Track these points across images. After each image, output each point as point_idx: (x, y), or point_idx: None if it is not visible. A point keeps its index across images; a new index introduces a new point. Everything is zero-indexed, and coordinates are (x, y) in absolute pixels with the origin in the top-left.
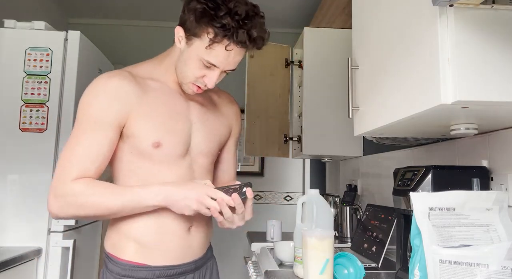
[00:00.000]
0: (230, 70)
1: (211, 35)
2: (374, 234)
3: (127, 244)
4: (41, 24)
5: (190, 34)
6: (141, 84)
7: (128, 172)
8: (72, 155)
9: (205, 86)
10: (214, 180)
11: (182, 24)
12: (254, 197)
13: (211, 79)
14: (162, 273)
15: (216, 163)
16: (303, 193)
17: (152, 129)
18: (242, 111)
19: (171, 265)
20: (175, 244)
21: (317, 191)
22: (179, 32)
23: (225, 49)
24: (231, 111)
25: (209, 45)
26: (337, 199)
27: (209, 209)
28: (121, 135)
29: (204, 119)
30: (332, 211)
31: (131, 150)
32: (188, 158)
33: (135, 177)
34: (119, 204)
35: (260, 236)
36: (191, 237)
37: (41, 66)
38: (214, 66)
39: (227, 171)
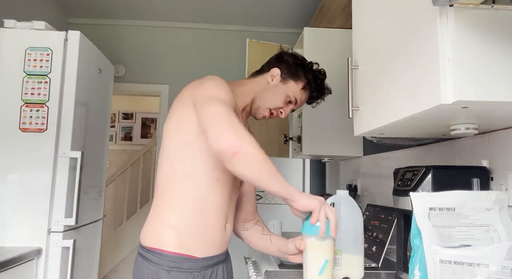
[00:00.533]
0: (293, 110)
1: (305, 83)
2: (374, 234)
3: (173, 237)
4: (41, 24)
5: (287, 76)
6: None
7: (189, 164)
8: (229, 119)
9: (277, 115)
10: (242, 210)
11: (279, 67)
12: None
13: (286, 112)
14: (204, 264)
15: (241, 192)
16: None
17: None
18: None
19: (210, 256)
20: (215, 236)
21: (347, 192)
22: (276, 72)
23: (306, 96)
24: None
25: (302, 88)
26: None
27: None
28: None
29: None
30: (360, 211)
31: (200, 144)
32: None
33: (193, 170)
34: (274, 172)
35: None
36: (226, 232)
37: (41, 66)
38: (295, 103)
39: (253, 200)
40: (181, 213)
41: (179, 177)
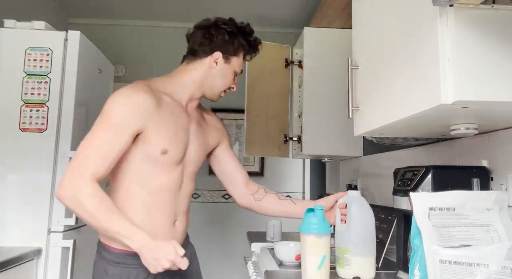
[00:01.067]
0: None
1: (244, 52)
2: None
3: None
4: (41, 24)
5: (229, 55)
6: (158, 98)
7: (130, 173)
8: (90, 151)
9: (230, 90)
10: (233, 184)
11: (219, 49)
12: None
13: (236, 83)
14: None
15: (227, 167)
16: (303, 193)
17: (163, 138)
18: (242, 111)
19: None
20: (163, 233)
21: (359, 192)
22: (217, 56)
23: (246, 60)
24: (217, 126)
25: (244, 57)
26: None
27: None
28: (134, 140)
29: (198, 133)
30: (372, 211)
31: (140, 154)
32: (181, 166)
33: (136, 178)
34: (106, 227)
35: (260, 236)
36: (176, 228)
37: (41, 66)
38: (241, 72)
39: (242, 168)
40: (128, 214)
41: (125, 184)
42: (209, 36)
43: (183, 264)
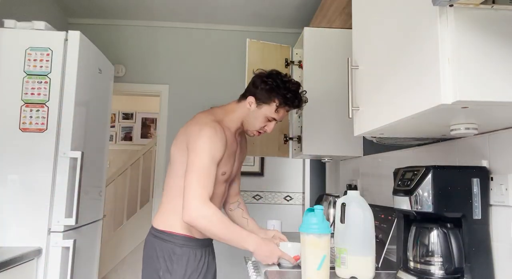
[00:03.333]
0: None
1: (277, 104)
2: (374, 234)
3: (180, 223)
4: (41, 24)
5: (261, 102)
6: (225, 132)
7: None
8: (205, 180)
9: (264, 132)
10: (231, 187)
11: (253, 95)
12: (254, 197)
13: (270, 127)
14: (203, 243)
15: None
16: (303, 193)
17: (224, 162)
18: None
19: (204, 239)
20: None
21: (357, 192)
22: (251, 100)
23: (285, 111)
24: (245, 146)
25: (276, 109)
26: (337, 199)
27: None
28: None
29: (239, 154)
30: (371, 212)
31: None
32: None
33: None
34: (229, 238)
35: None
36: None
37: (41, 66)
38: (275, 120)
39: (238, 182)
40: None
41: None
42: (254, 82)
43: (278, 261)
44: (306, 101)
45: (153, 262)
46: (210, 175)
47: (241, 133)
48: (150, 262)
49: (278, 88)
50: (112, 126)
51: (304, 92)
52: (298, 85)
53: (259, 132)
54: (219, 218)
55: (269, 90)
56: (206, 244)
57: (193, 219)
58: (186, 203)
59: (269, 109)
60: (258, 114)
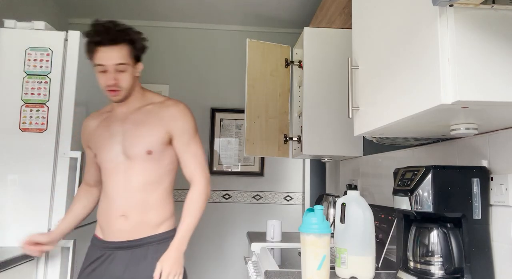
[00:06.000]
0: (116, 65)
1: (89, 48)
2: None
3: (97, 224)
4: (41, 24)
5: (89, 58)
6: (100, 117)
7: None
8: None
9: (114, 85)
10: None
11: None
12: (254, 197)
13: (108, 79)
14: (106, 245)
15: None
16: (303, 193)
17: (95, 145)
18: (242, 111)
19: (108, 241)
20: (111, 226)
21: (357, 192)
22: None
23: (97, 51)
24: (167, 114)
25: (89, 57)
26: (337, 199)
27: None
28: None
29: (131, 130)
30: (371, 212)
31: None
32: (118, 162)
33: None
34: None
35: (260, 236)
36: (124, 222)
37: (41, 66)
38: (101, 65)
39: (184, 164)
40: (98, 211)
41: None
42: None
43: None
44: (117, 26)
45: None
46: (86, 164)
47: (150, 106)
48: None
49: (85, 36)
50: None
51: (112, 21)
52: (99, 21)
53: (113, 91)
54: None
55: (85, 43)
56: (112, 247)
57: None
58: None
59: (93, 62)
60: (96, 74)
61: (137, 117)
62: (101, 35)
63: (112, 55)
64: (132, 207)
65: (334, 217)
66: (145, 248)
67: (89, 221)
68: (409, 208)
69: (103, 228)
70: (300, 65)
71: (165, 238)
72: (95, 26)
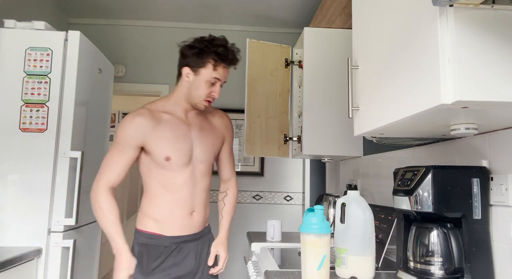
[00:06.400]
0: (224, 82)
1: (213, 62)
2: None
3: (148, 221)
4: (41, 24)
5: (196, 68)
6: (156, 117)
7: (152, 179)
8: (106, 166)
9: (213, 98)
10: (219, 173)
11: (186, 65)
12: (254, 197)
13: (217, 90)
14: (173, 240)
15: (217, 162)
16: (303, 193)
17: (164, 147)
18: (242, 111)
19: (177, 236)
20: (180, 222)
21: (357, 192)
22: (186, 71)
23: (223, 68)
24: (222, 124)
25: (214, 69)
26: (337, 199)
27: None
28: (144, 152)
29: (201, 137)
30: (371, 212)
31: (150, 162)
32: (190, 166)
33: (155, 180)
34: (106, 232)
35: (260, 236)
36: (193, 218)
37: (41, 66)
38: (218, 80)
39: (226, 167)
40: (155, 208)
41: (152, 184)
42: (181, 54)
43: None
44: (239, 50)
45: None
46: (112, 164)
47: (205, 113)
48: None
49: (208, 48)
50: (112, 126)
51: (233, 44)
52: (225, 39)
53: (208, 101)
54: (105, 209)
55: (199, 52)
56: (180, 241)
57: (91, 200)
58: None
59: (207, 71)
60: (199, 82)
61: (202, 124)
62: (233, 57)
63: (226, 74)
64: (199, 205)
65: (334, 217)
66: (204, 238)
67: (89, 221)
68: (409, 208)
69: (168, 225)
70: (300, 65)
71: (210, 229)
72: (228, 47)
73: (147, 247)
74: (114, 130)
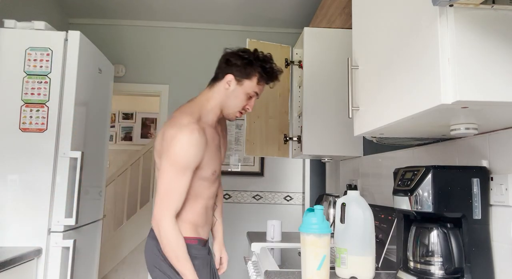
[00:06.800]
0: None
1: (258, 76)
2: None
3: (189, 228)
4: (41, 24)
5: (241, 77)
6: (205, 132)
7: (192, 191)
8: (173, 193)
9: (246, 111)
10: None
11: (230, 72)
12: (254, 197)
13: (251, 105)
14: (206, 243)
15: None
16: (303, 193)
17: (211, 162)
18: None
19: (207, 238)
20: (209, 226)
21: (357, 192)
22: (229, 78)
23: (263, 84)
24: (223, 127)
25: (258, 82)
26: (337, 199)
27: None
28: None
29: (222, 145)
30: (371, 212)
31: (196, 176)
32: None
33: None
34: (177, 264)
35: (260, 236)
36: (211, 218)
37: (41, 66)
38: (256, 95)
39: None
40: (192, 213)
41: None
42: (227, 61)
43: None
44: (282, 72)
45: (161, 266)
46: (180, 190)
47: (219, 120)
48: (157, 265)
49: (257, 61)
50: (112, 126)
51: (275, 64)
52: (271, 57)
53: (241, 113)
54: (175, 244)
55: (248, 63)
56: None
57: (157, 232)
58: (154, 215)
59: (251, 84)
60: (239, 92)
61: (221, 134)
62: (276, 76)
63: (262, 91)
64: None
65: (334, 217)
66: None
67: (89, 221)
68: (409, 208)
69: (203, 229)
70: (300, 65)
71: None
72: (274, 66)
73: (201, 252)
74: (114, 130)
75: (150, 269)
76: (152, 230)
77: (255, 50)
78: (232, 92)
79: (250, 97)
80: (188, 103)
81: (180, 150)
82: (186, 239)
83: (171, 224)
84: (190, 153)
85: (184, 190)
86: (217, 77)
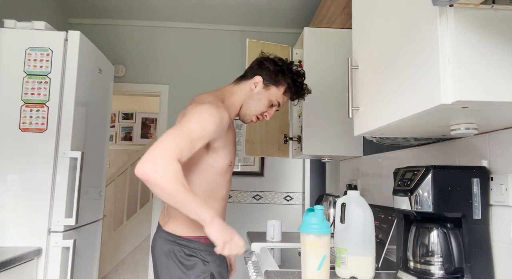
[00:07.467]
0: (277, 110)
1: (286, 87)
2: (374, 234)
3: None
4: (41, 24)
5: (269, 83)
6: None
7: (198, 186)
8: (180, 141)
9: (263, 118)
10: None
11: (260, 74)
12: (254, 197)
13: (270, 114)
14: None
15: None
16: (303, 193)
17: (230, 152)
18: None
19: None
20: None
21: (357, 192)
22: (258, 79)
23: (288, 97)
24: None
25: (284, 92)
26: (337, 199)
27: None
28: (208, 148)
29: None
30: (371, 212)
31: (206, 167)
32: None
33: (201, 189)
34: (184, 200)
35: (260, 236)
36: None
37: (41, 66)
38: (278, 105)
39: None
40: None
41: (197, 192)
42: (260, 63)
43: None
44: (310, 92)
45: (175, 270)
46: (191, 140)
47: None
48: (172, 269)
49: (289, 72)
50: (112, 126)
51: (306, 85)
52: (304, 74)
53: (258, 118)
54: (180, 178)
55: (280, 71)
56: None
57: (148, 172)
58: (147, 154)
59: (277, 92)
60: (263, 96)
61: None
62: (303, 94)
63: (283, 104)
64: None
65: (334, 217)
66: None
67: (89, 221)
68: (409, 208)
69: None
70: (300, 65)
71: None
72: (304, 84)
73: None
74: (114, 130)
75: (161, 271)
76: (162, 231)
77: (292, 62)
78: (257, 94)
79: (271, 105)
80: (211, 91)
81: (198, 117)
82: (204, 239)
83: (173, 160)
84: (207, 123)
85: (193, 146)
86: (245, 76)
